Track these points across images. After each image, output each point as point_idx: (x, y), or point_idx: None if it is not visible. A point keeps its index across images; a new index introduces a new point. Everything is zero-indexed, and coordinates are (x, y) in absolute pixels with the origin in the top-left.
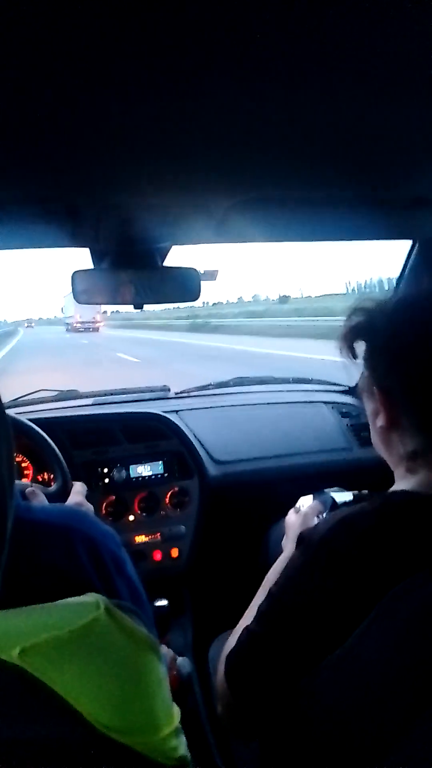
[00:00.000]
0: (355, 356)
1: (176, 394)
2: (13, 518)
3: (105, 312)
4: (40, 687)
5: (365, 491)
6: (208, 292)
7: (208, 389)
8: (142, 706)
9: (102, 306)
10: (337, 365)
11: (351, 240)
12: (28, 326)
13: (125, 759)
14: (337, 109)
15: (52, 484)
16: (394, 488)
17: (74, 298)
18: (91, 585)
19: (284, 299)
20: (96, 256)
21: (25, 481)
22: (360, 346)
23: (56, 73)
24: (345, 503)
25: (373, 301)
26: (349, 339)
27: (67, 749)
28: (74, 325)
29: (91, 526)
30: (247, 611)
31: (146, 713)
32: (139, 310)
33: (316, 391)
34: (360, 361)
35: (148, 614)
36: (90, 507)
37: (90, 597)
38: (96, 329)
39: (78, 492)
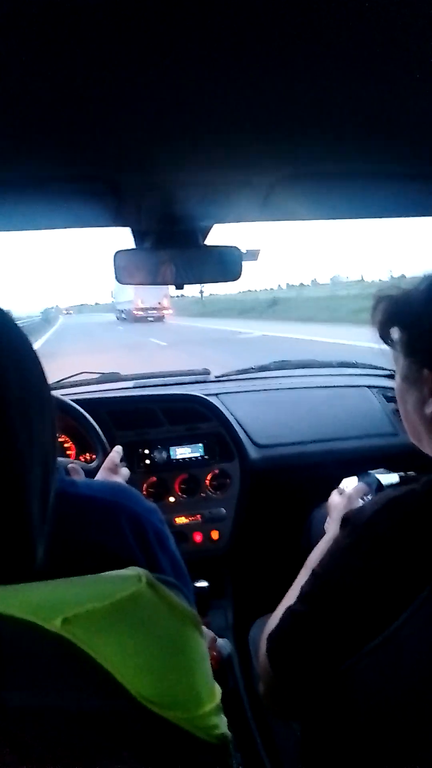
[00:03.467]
0: (391, 343)
1: (217, 377)
2: (57, 491)
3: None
4: (82, 657)
5: (412, 473)
6: (282, 273)
7: (249, 373)
8: (183, 680)
9: (168, 288)
10: None
11: (405, 216)
12: (67, 313)
13: (166, 732)
14: (389, 76)
15: (92, 462)
16: None
17: (116, 278)
18: (135, 560)
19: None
20: (138, 236)
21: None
22: (394, 333)
23: (95, 48)
24: (391, 485)
25: (397, 288)
26: (386, 326)
27: (108, 720)
28: (134, 312)
29: (135, 501)
30: (289, 592)
31: (188, 687)
32: (197, 295)
33: (361, 375)
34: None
35: (190, 591)
36: (126, 471)
37: (132, 570)
38: (161, 318)
39: (113, 456)
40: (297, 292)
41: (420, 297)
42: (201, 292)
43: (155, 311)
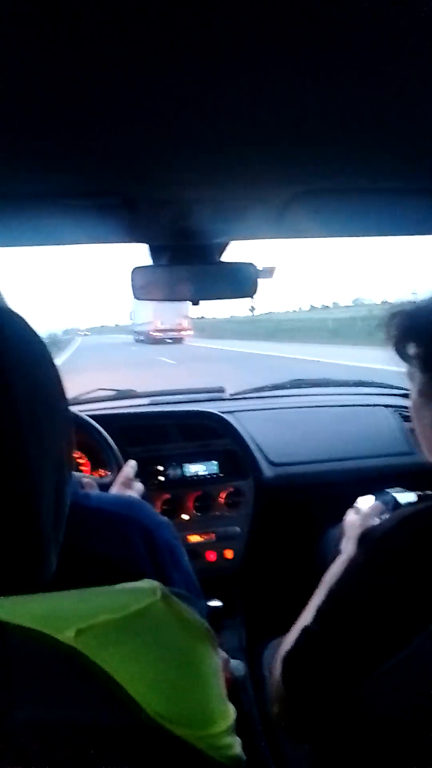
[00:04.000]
0: (406, 359)
1: (231, 395)
2: (71, 503)
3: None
4: (93, 669)
5: (430, 492)
6: (302, 295)
7: (264, 391)
8: (196, 696)
9: (188, 306)
10: None
11: (424, 234)
12: (83, 335)
13: (177, 750)
14: (405, 91)
15: (106, 478)
16: None
17: (133, 294)
18: (146, 573)
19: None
20: (154, 252)
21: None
22: (410, 349)
23: (111, 63)
24: (408, 503)
25: (411, 303)
26: (400, 342)
27: (118, 734)
28: (153, 333)
29: (147, 515)
30: (304, 612)
31: (201, 704)
32: (217, 317)
33: (377, 394)
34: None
35: (202, 605)
36: (140, 486)
37: (147, 583)
38: (180, 340)
39: (127, 471)
40: (321, 314)
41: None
42: (252, 308)
43: (174, 332)
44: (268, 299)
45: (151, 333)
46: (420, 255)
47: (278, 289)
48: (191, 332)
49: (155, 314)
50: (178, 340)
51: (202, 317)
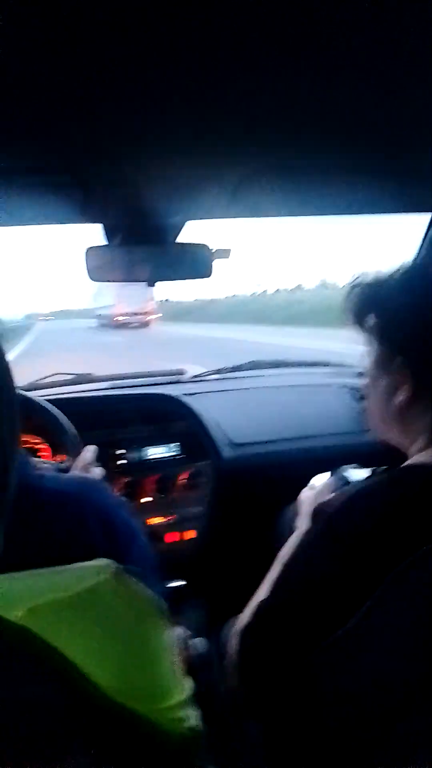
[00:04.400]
0: (366, 331)
1: (191, 377)
2: (22, 484)
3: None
4: (44, 647)
5: (383, 467)
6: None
7: (222, 372)
8: (148, 670)
9: (153, 290)
10: None
11: (369, 214)
12: (44, 320)
13: (128, 722)
14: (351, 72)
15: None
16: (410, 461)
17: (88, 275)
18: (102, 552)
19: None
20: (108, 232)
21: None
22: (369, 320)
23: (62, 40)
24: (361, 480)
25: (373, 275)
26: (359, 313)
27: (71, 711)
28: (116, 318)
29: (103, 495)
30: (260, 587)
31: (153, 678)
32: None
33: (332, 374)
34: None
35: (157, 581)
36: (98, 471)
37: (99, 561)
38: (146, 324)
39: (85, 456)
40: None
41: (395, 284)
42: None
43: (139, 316)
44: (231, 281)
45: (114, 317)
46: (385, 238)
47: (241, 271)
48: (157, 316)
49: (118, 297)
50: (143, 325)
51: (167, 300)
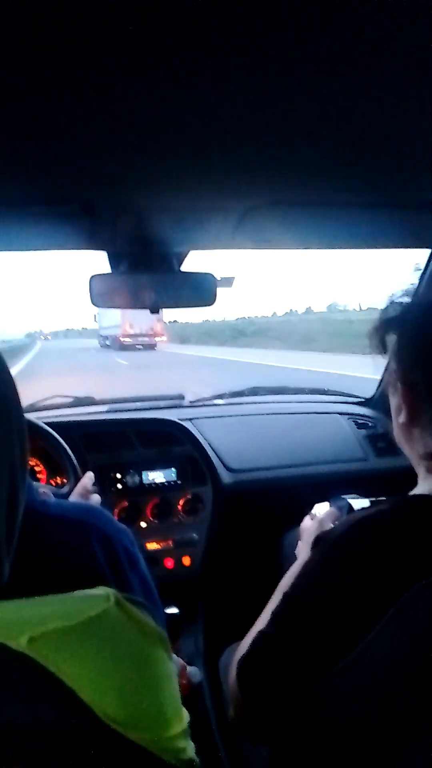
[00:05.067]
0: (385, 350)
1: (191, 402)
2: (27, 510)
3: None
4: (46, 676)
5: (383, 498)
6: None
7: (223, 398)
8: (149, 700)
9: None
10: None
11: (384, 247)
12: (44, 339)
13: (130, 753)
14: (354, 109)
15: (64, 486)
16: (413, 491)
17: (91, 302)
18: (105, 580)
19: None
20: (113, 260)
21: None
22: (391, 340)
23: (71, 70)
24: (362, 509)
25: (411, 296)
26: (380, 331)
27: (71, 738)
28: (122, 339)
29: (106, 522)
30: (260, 617)
31: (154, 708)
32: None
33: (333, 402)
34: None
35: (159, 612)
36: (98, 498)
37: (101, 590)
38: (152, 346)
39: (85, 483)
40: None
41: (419, 309)
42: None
43: (146, 338)
44: (241, 303)
45: (120, 338)
46: (394, 260)
47: (252, 293)
48: (165, 338)
49: (124, 317)
50: (150, 347)
51: (175, 321)
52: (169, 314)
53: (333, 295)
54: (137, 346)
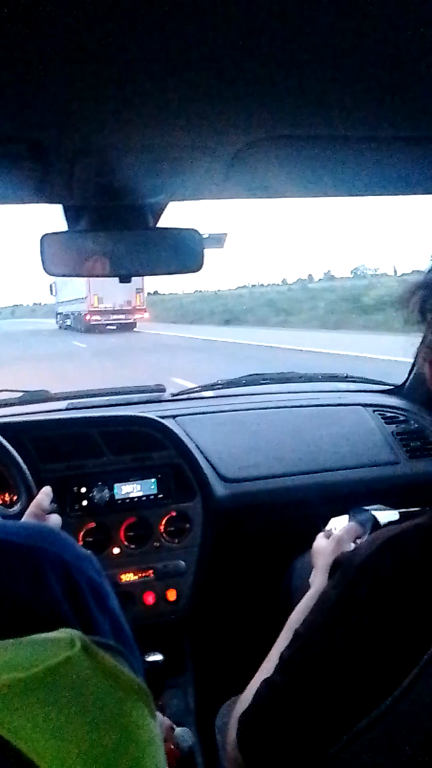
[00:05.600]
0: (424, 318)
1: (173, 395)
2: None
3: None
4: None
5: (416, 509)
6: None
7: (215, 389)
8: (126, 767)
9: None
10: None
11: (409, 193)
12: None
13: None
14: (375, 19)
15: (15, 505)
16: None
17: (43, 268)
18: (64, 619)
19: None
20: (71, 215)
21: None
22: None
23: None
24: (390, 523)
25: None
26: (418, 295)
27: None
28: (88, 317)
29: (64, 547)
30: (265, 661)
31: None
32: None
33: (353, 391)
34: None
35: (137, 659)
36: (57, 519)
37: (63, 633)
38: (130, 325)
39: (41, 500)
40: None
41: None
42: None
43: (121, 314)
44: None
45: (86, 316)
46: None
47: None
48: (147, 315)
49: (91, 288)
50: (126, 326)
51: (156, 292)
52: (151, 284)
53: (359, 257)
54: (109, 326)
